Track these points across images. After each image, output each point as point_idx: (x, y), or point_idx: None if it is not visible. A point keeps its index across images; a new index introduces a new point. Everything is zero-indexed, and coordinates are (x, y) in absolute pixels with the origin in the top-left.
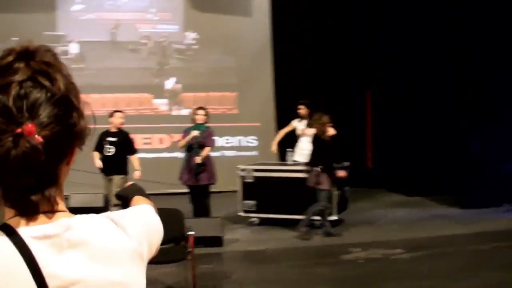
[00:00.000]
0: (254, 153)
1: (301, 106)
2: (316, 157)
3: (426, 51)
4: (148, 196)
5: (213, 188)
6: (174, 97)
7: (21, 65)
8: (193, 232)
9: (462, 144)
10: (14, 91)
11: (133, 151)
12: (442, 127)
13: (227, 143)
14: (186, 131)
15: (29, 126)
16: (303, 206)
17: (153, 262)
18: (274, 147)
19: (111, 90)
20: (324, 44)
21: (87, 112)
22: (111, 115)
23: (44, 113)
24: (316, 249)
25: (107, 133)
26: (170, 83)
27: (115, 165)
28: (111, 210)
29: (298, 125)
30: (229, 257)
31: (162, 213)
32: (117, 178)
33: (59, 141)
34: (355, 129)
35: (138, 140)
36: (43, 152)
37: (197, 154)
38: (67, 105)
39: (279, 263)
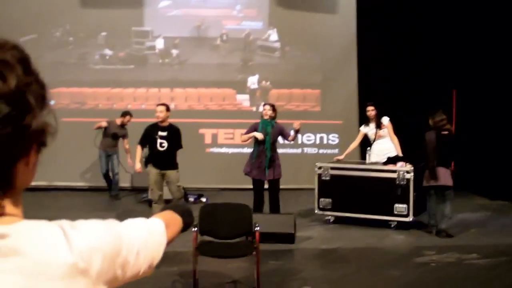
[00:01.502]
0: (335, 151)
1: (371, 107)
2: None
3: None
4: (183, 212)
5: (293, 185)
6: (257, 93)
7: None
8: (259, 228)
9: None
10: None
11: (180, 145)
12: None
13: (308, 140)
14: (253, 126)
15: None
16: (378, 206)
17: (221, 256)
18: (341, 157)
19: (195, 85)
20: (410, 43)
21: (50, 110)
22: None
23: None
24: (389, 250)
25: (156, 127)
26: (253, 79)
27: (170, 160)
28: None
29: (368, 129)
30: (299, 254)
31: (230, 208)
32: (172, 173)
33: (9, 143)
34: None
35: (221, 135)
36: None
37: (270, 151)
38: (19, 105)
39: (349, 263)
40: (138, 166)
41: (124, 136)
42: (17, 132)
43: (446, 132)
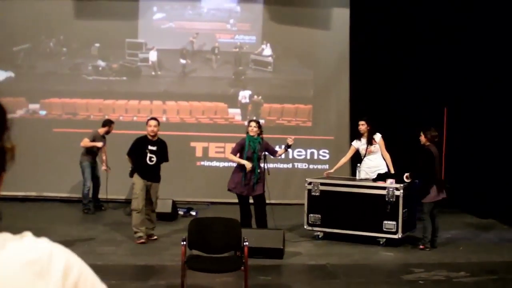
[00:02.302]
0: (325, 166)
1: (362, 122)
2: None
3: (505, 68)
4: None
5: (283, 200)
6: (249, 108)
7: None
8: (247, 243)
9: None
10: None
11: (167, 159)
12: None
13: (299, 155)
14: (240, 143)
15: None
16: (367, 222)
17: (210, 270)
18: (332, 171)
19: (187, 98)
20: (402, 60)
21: (8, 134)
22: (147, 122)
23: None
24: (377, 267)
25: (146, 141)
26: (245, 94)
27: (157, 173)
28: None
29: (359, 144)
30: (288, 270)
31: (219, 222)
32: (156, 185)
33: None
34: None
35: (211, 148)
36: None
37: (257, 168)
38: None
39: (338, 279)
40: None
41: (104, 144)
42: None
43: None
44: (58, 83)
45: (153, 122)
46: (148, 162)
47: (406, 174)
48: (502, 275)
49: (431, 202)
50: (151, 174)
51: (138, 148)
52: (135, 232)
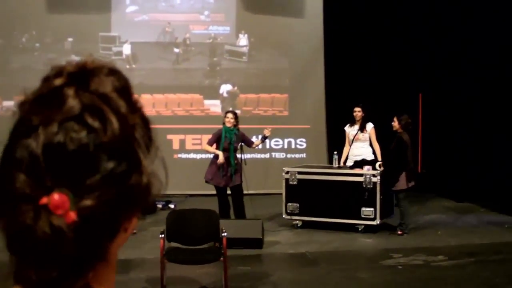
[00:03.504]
0: (303, 155)
1: (358, 109)
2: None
3: (480, 53)
4: None
5: (261, 190)
6: (225, 98)
7: (69, 93)
8: (226, 234)
9: None
10: (45, 133)
11: None
12: (495, 132)
13: (276, 145)
14: (217, 134)
15: (58, 197)
16: (345, 209)
17: (189, 262)
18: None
19: (162, 90)
20: (377, 47)
21: (156, 153)
22: None
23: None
24: (356, 254)
25: None
26: (222, 84)
27: None
28: None
29: (350, 130)
30: (268, 259)
31: (198, 214)
32: None
33: (106, 213)
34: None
35: (188, 140)
36: (74, 236)
37: (234, 159)
38: (124, 157)
39: (318, 267)
40: None
41: None
42: (122, 195)
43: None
44: (32, 79)
45: None
46: None
47: (378, 163)
48: (481, 257)
49: (403, 189)
50: None
51: None
52: None
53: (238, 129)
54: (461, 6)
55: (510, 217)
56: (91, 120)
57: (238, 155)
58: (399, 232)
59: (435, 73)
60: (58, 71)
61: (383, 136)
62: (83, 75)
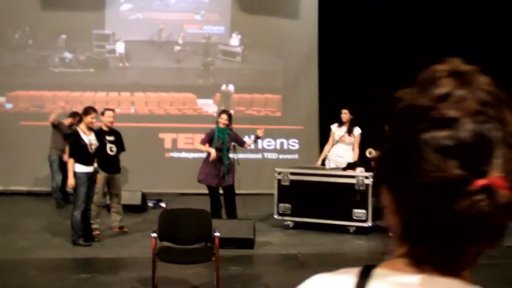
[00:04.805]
0: (295, 156)
1: (345, 111)
2: None
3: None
4: None
5: (253, 190)
6: (218, 98)
7: (462, 92)
8: (218, 234)
9: None
10: (468, 125)
11: (124, 148)
12: None
13: (268, 145)
14: (209, 134)
15: (498, 177)
16: (337, 211)
17: (181, 262)
18: (319, 162)
19: (155, 89)
20: (371, 48)
21: None
22: (102, 113)
23: (501, 159)
24: (348, 255)
25: (103, 132)
26: (225, 87)
27: (117, 163)
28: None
29: (337, 130)
30: (259, 259)
31: (190, 213)
32: (118, 176)
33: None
34: None
35: (180, 139)
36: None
37: (227, 159)
38: None
39: (309, 268)
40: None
41: None
42: None
43: None
44: (24, 76)
45: (111, 113)
46: (109, 152)
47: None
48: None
49: None
50: (113, 166)
51: (97, 140)
52: (91, 224)
53: (231, 129)
54: (460, 6)
55: None
56: (495, 114)
57: (231, 155)
58: (391, 234)
59: None
60: (438, 72)
61: (374, 140)
62: (463, 75)
